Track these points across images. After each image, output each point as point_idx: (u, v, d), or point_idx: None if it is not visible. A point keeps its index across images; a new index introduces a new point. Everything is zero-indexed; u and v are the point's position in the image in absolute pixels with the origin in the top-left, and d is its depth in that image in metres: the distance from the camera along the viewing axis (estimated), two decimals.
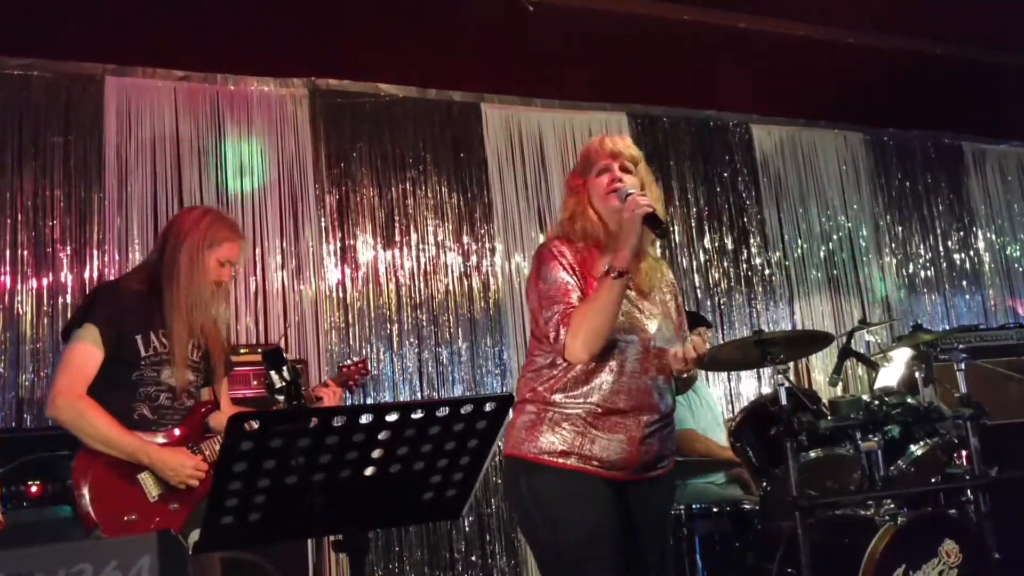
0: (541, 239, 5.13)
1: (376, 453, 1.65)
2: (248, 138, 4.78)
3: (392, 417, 1.63)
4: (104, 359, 2.66)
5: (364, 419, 1.61)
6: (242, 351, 4.07)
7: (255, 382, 3.90)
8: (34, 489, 3.36)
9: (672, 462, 2.50)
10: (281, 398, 1.87)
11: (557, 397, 2.35)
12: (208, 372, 2.91)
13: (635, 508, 2.38)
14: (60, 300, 4.27)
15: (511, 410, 2.44)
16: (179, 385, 2.77)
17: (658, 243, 2.43)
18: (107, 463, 2.62)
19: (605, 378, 2.33)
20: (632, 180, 2.45)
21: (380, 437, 1.64)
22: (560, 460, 2.32)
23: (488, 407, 1.72)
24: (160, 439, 2.72)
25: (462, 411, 1.70)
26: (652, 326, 2.42)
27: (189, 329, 2.77)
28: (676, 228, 5.70)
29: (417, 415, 1.65)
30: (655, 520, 2.44)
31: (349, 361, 3.55)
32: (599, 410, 2.32)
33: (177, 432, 2.77)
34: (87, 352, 2.66)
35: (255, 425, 1.48)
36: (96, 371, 2.66)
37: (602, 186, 2.43)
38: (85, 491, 2.60)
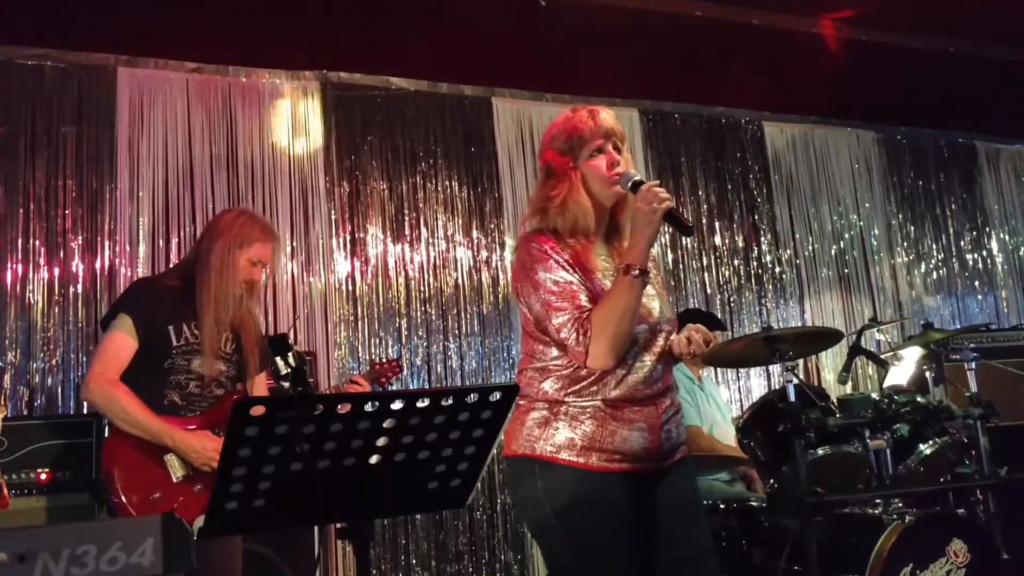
0: None
1: (381, 441, 1.65)
2: (259, 130, 4.79)
3: (397, 405, 1.62)
4: (138, 348, 2.81)
5: (369, 407, 1.60)
6: None
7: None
8: (43, 476, 3.39)
9: (687, 448, 2.36)
10: (287, 384, 1.87)
11: (570, 393, 2.19)
12: (242, 365, 3.02)
13: (663, 499, 2.23)
14: (71, 290, 4.30)
15: (516, 406, 2.30)
16: (209, 374, 2.89)
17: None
18: (136, 445, 2.76)
19: (619, 372, 2.17)
20: (628, 159, 2.27)
21: (385, 425, 1.63)
22: (581, 459, 2.15)
23: (494, 397, 1.71)
24: (187, 424, 2.84)
25: (468, 400, 1.69)
26: (656, 308, 2.28)
27: (218, 323, 2.88)
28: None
29: (422, 404, 1.64)
30: (686, 504, 2.28)
31: (383, 358, 3.57)
32: (615, 401, 2.17)
33: (201, 419, 2.88)
34: (121, 340, 2.81)
35: (260, 410, 1.48)
36: (130, 358, 2.82)
37: (600, 168, 2.22)
38: (114, 470, 2.75)
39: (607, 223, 2.32)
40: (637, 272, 2.08)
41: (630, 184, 2.19)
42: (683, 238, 5.64)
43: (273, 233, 3.06)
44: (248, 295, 2.99)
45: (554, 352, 2.22)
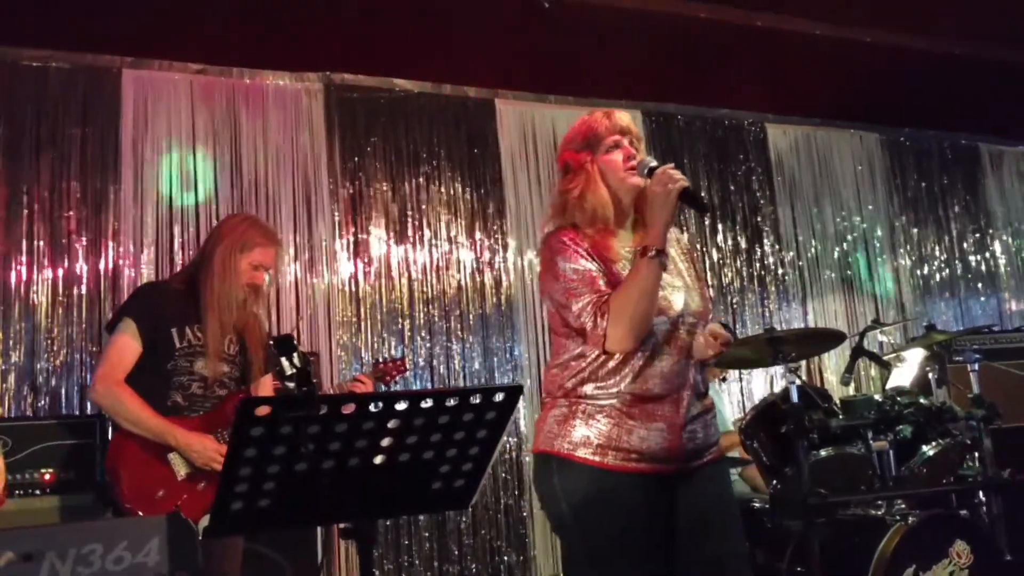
0: None
1: (385, 442, 1.65)
2: (263, 132, 4.80)
3: (402, 406, 1.63)
4: (142, 351, 2.88)
5: (374, 407, 1.61)
6: None
7: None
8: (47, 477, 3.40)
9: (719, 450, 2.33)
10: (292, 385, 1.88)
11: (588, 389, 2.19)
12: (246, 367, 3.06)
13: (687, 501, 2.21)
14: (75, 291, 4.30)
15: (541, 406, 2.33)
16: (212, 376, 2.95)
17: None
18: (140, 444, 2.81)
19: (636, 364, 2.16)
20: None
21: (390, 426, 1.64)
22: (597, 458, 2.14)
23: (498, 397, 1.72)
24: (190, 425, 2.88)
25: (472, 401, 1.70)
26: (678, 301, 2.25)
27: (221, 325, 2.93)
28: (689, 227, 5.69)
29: (427, 404, 1.65)
30: (712, 507, 2.23)
31: (387, 358, 3.56)
32: (633, 398, 2.16)
33: (204, 419, 2.92)
34: (125, 344, 2.88)
35: (265, 411, 1.49)
36: (134, 361, 2.88)
37: (617, 162, 2.25)
38: (119, 468, 2.80)
39: (632, 219, 2.32)
40: (654, 252, 2.09)
41: (646, 171, 2.21)
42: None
43: (275, 238, 3.12)
44: (253, 299, 3.03)
45: (575, 349, 2.23)
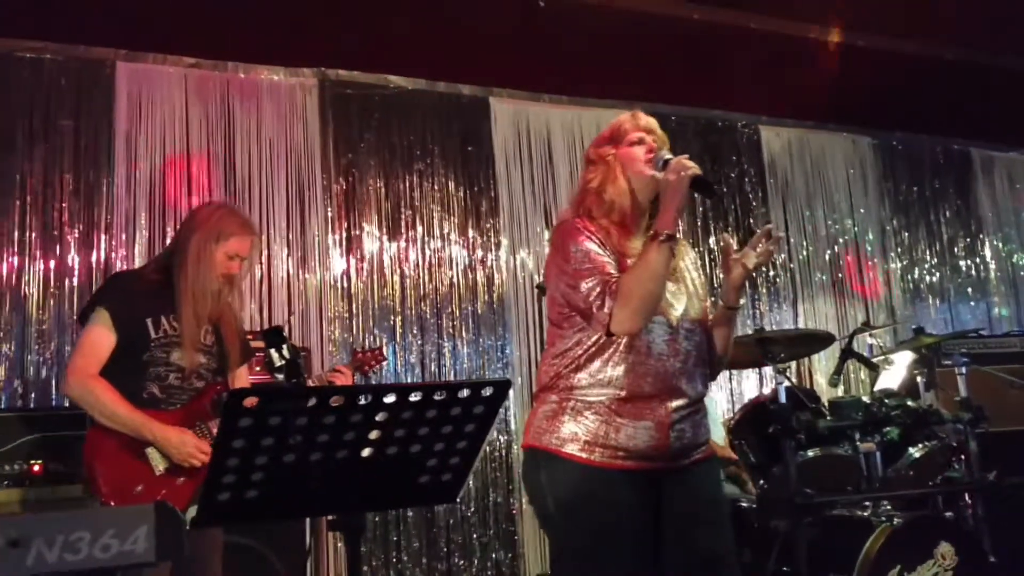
0: (546, 235, 5.15)
1: (373, 435, 1.66)
2: (256, 126, 4.80)
3: (390, 399, 1.64)
4: (117, 341, 2.79)
5: (362, 400, 1.62)
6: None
7: (258, 368, 3.92)
8: (36, 468, 3.40)
9: (710, 448, 2.34)
10: (280, 376, 1.88)
11: (581, 378, 2.20)
12: (222, 358, 2.99)
13: (674, 499, 2.22)
14: (67, 282, 4.30)
15: (533, 400, 2.33)
16: (188, 366, 2.86)
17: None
18: (116, 438, 2.73)
19: (631, 360, 2.18)
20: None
21: (377, 419, 1.65)
22: (584, 454, 2.16)
23: (486, 391, 1.73)
24: (167, 418, 2.80)
25: (459, 395, 1.71)
26: (678, 307, 2.28)
27: (196, 315, 2.86)
28: (680, 228, 5.69)
29: (415, 398, 1.66)
30: (700, 505, 2.24)
31: (366, 347, 3.53)
32: (623, 394, 2.17)
33: (182, 412, 2.85)
34: (99, 334, 2.79)
35: (253, 401, 1.50)
36: (109, 352, 2.78)
37: (636, 154, 2.29)
38: (96, 463, 2.72)
39: (647, 221, 2.33)
40: (664, 237, 2.12)
41: (661, 163, 2.23)
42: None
43: (251, 227, 3.04)
44: (228, 288, 2.96)
45: (572, 338, 2.24)
